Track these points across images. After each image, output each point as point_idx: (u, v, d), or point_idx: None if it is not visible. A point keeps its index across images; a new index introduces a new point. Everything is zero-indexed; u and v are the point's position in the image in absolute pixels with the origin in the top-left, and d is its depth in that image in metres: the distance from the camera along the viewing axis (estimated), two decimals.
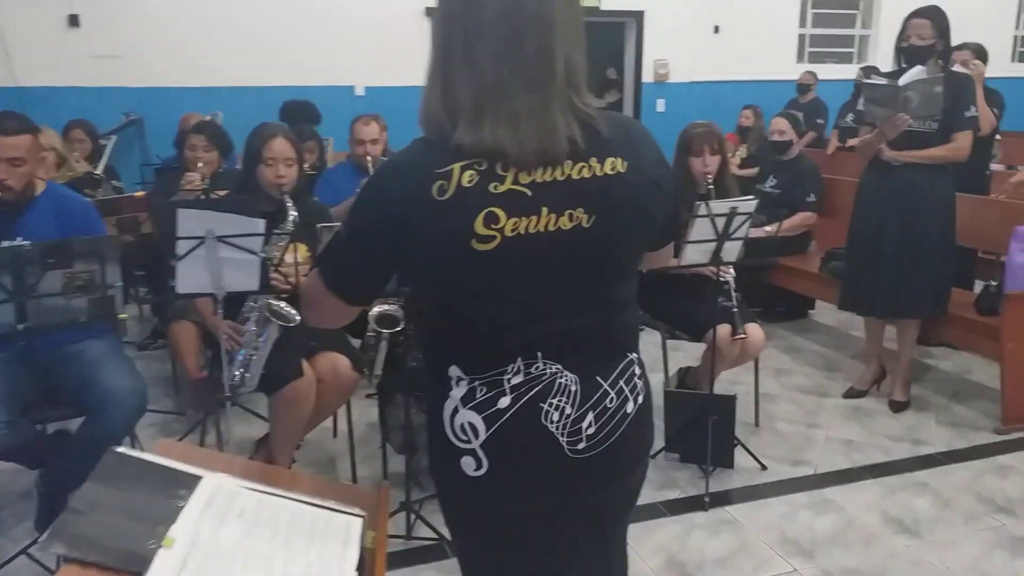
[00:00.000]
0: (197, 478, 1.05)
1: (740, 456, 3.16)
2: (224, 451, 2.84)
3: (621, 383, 1.25)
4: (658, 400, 3.21)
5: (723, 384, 3.88)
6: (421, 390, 2.70)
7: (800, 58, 8.81)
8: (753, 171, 5.62)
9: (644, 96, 8.26)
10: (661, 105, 8.27)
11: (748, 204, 2.79)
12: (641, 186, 1.18)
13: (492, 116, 1.10)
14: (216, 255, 2.27)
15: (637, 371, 1.29)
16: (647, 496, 2.97)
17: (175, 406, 3.88)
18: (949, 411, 3.70)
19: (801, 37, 8.81)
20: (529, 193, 1.12)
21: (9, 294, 2.14)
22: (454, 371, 1.22)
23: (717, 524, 2.78)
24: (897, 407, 3.69)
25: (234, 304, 2.72)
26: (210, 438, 3.48)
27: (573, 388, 1.21)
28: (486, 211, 1.10)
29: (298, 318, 2.64)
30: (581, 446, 1.22)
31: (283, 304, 2.68)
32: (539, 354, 1.19)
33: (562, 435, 1.20)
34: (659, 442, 3.27)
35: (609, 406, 1.23)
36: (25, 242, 2.37)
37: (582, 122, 1.14)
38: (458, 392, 1.21)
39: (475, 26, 1.11)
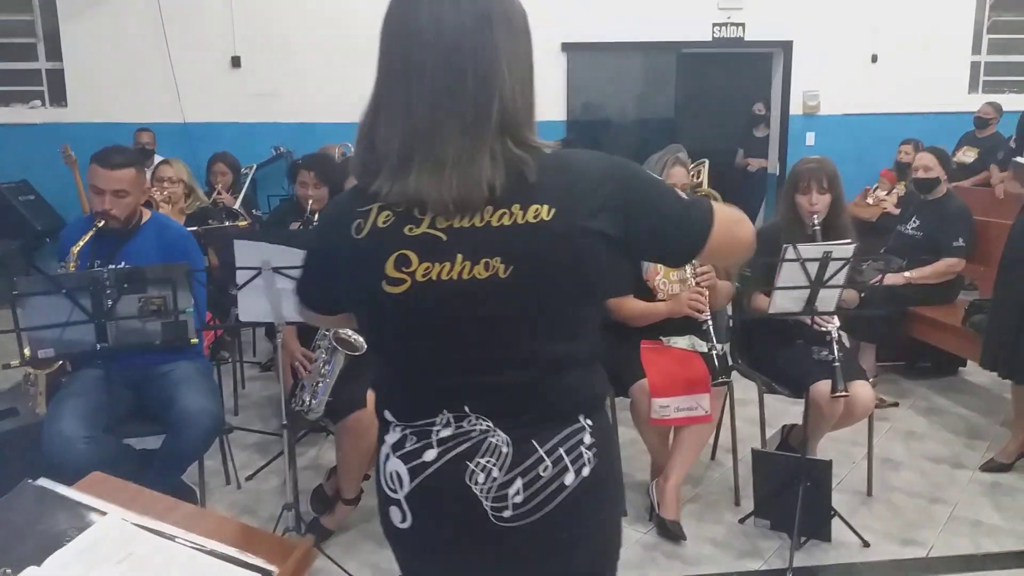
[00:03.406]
0: (101, 516, 1.03)
1: (841, 529, 2.82)
2: (295, 475, 2.90)
3: (561, 451, 1.12)
4: (748, 459, 3.02)
5: (841, 444, 3.55)
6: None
7: (973, 88, 8.03)
8: None
9: (792, 129, 7.83)
10: (811, 139, 7.81)
11: (844, 249, 2.52)
12: (569, 235, 1.06)
13: (419, 163, 1.04)
14: (274, 286, 2.32)
15: (587, 440, 1.15)
16: (725, 564, 2.72)
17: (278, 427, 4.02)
18: None
19: (974, 65, 8.04)
20: (444, 238, 1.06)
21: (89, 315, 2.29)
22: (388, 415, 1.19)
23: None
24: None
25: (312, 332, 2.79)
26: (303, 460, 3.59)
27: (504, 450, 1.11)
28: (398, 253, 1.07)
29: (365, 347, 2.66)
30: (507, 514, 1.11)
31: (351, 333, 2.71)
32: (466, 408, 1.11)
33: (487, 499, 1.11)
34: (747, 506, 3.00)
35: (542, 474, 1.11)
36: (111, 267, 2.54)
37: (510, 167, 1.05)
38: (391, 438, 1.18)
39: (415, 69, 1.05)
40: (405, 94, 1.05)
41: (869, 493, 3.19)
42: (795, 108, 7.79)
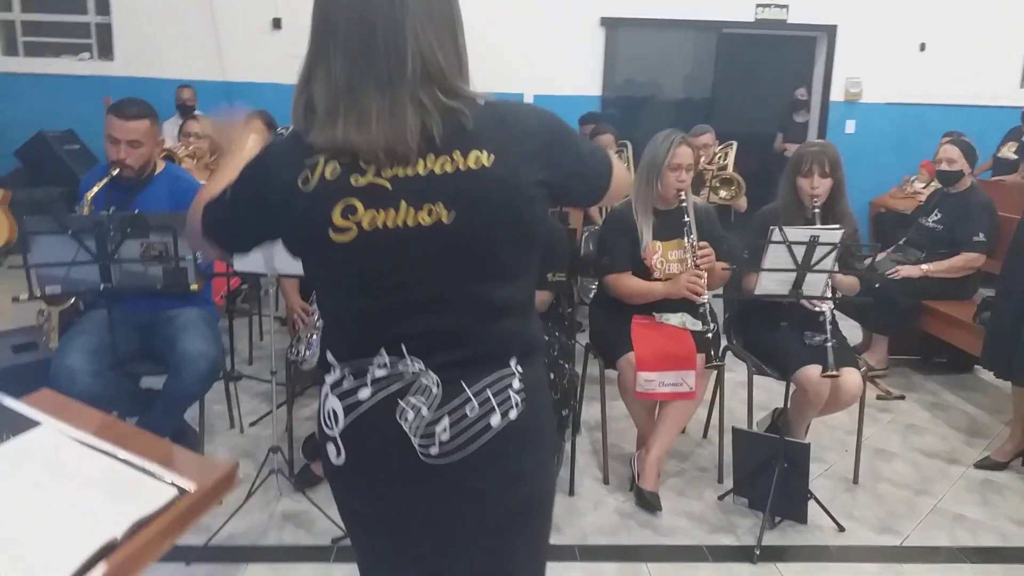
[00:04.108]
0: (34, 425, 1.12)
1: (819, 513, 2.84)
2: (291, 422, 3.02)
3: (489, 393, 1.19)
4: (729, 438, 3.04)
5: (836, 432, 3.56)
6: None
7: None
8: None
9: (832, 116, 7.66)
10: (851, 126, 7.63)
11: (832, 234, 2.52)
12: (509, 180, 1.13)
13: (344, 117, 1.11)
14: None
15: (516, 384, 1.21)
16: (697, 537, 2.77)
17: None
18: None
19: None
20: (389, 187, 1.12)
21: (93, 256, 2.41)
22: (329, 356, 1.25)
23: None
24: None
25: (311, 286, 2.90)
26: (307, 411, 3.72)
27: (434, 390, 1.18)
28: (344, 203, 1.11)
29: None
30: (433, 451, 1.18)
31: None
32: (403, 348, 1.17)
33: (415, 436, 1.18)
34: (730, 484, 3.03)
35: (468, 414, 1.18)
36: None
37: (446, 116, 1.12)
38: (331, 378, 1.24)
39: (332, 31, 1.12)
40: (326, 55, 1.12)
41: (855, 481, 3.19)
42: (836, 94, 7.61)
